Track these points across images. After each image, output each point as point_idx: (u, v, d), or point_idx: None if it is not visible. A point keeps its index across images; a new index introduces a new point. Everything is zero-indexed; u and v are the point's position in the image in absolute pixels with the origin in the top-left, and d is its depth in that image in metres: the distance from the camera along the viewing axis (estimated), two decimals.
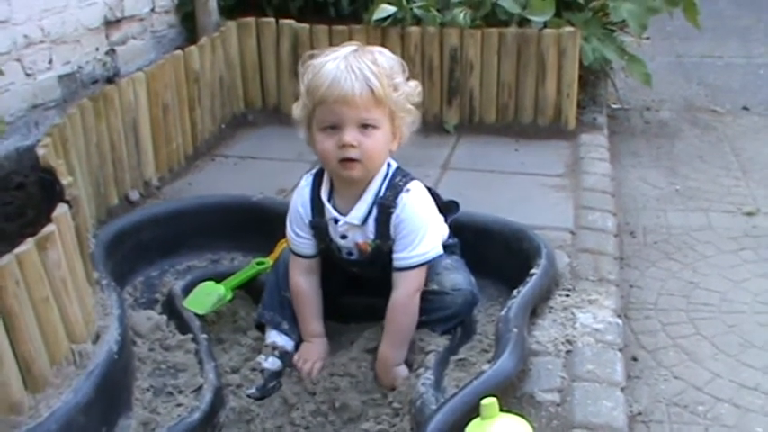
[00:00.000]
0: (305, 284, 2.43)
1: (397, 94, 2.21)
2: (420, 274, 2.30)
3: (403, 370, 2.27)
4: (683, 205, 3.58)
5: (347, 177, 2.26)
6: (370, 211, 2.31)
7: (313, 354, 2.38)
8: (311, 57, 2.26)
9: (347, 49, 2.22)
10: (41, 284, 1.86)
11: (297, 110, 2.31)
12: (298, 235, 2.41)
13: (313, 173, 2.42)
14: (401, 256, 2.29)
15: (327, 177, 2.36)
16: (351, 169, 2.23)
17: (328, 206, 2.34)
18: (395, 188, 2.30)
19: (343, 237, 2.36)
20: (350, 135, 2.18)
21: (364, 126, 2.18)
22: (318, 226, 2.38)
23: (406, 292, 2.29)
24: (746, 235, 3.31)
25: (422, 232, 2.29)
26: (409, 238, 2.28)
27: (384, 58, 2.22)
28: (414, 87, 2.27)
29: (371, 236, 2.33)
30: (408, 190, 2.30)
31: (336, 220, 2.33)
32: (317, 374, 2.32)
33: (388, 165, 2.33)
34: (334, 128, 2.19)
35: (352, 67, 2.15)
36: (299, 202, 2.40)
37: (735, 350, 2.58)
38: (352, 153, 2.20)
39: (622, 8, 4.15)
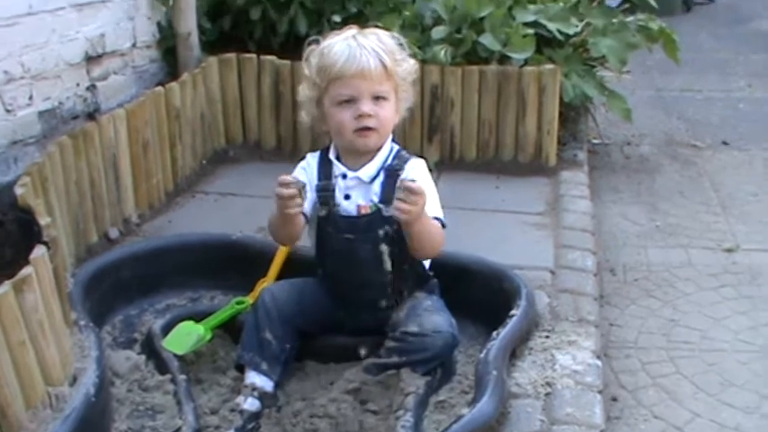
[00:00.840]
0: None
1: (401, 69, 2.39)
2: (440, 229, 2.39)
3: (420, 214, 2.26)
4: (664, 242, 3.60)
5: (363, 146, 2.40)
6: (378, 174, 2.42)
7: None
8: (314, 42, 2.43)
9: (350, 31, 2.39)
10: (18, 327, 1.84)
11: (304, 91, 2.45)
12: None
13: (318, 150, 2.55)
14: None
15: (335, 149, 2.49)
16: (367, 137, 2.38)
17: (337, 163, 2.45)
18: (401, 158, 2.46)
19: (347, 197, 2.43)
20: (367, 106, 2.34)
21: (377, 98, 2.35)
22: (325, 189, 2.45)
23: (437, 225, 2.38)
24: (726, 272, 3.32)
25: (432, 193, 2.39)
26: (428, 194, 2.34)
27: (386, 37, 2.39)
28: (412, 65, 2.44)
29: (376, 198, 2.41)
30: (417, 159, 2.49)
31: (345, 176, 2.43)
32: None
33: (392, 143, 2.48)
34: (350, 101, 2.34)
35: (363, 44, 2.33)
36: (307, 163, 2.52)
37: (715, 389, 2.59)
38: (369, 122, 2.35)
39: (602, 44, 4.20)
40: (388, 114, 2.38)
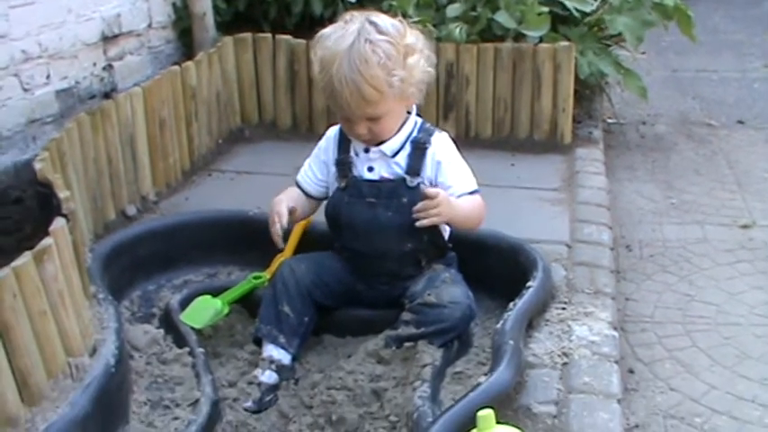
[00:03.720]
0: (293, 189, 2.60)
1: (398, 82, 2.29)
2: (477, 203, 2.46)
3: (451, 216, 2.38)
4: (679, 218, 3.60)
5: (367, 145, 2.44)
6: (402, 147, 2.44)
7: (275, 202, 2.49)
8: (320, 35, 2.37)
9: (347, 38, 2.27)
10: (38, 298, 1.86)
11: (316, 76, 2.41)
12: (310, 169, 2.60)
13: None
14: (456, 188, 2.43)
15: None
16: (369, 142, 2.42)
17: (354, 141, 2.46)
18: (427, 131, 2.47)
19: (371, 169, 2.46)
20: (360, 128, 2.36)
21: (370, 119, 2.33)
22: (344, 162, 2.50)
23: (477, 198, 2.47)
24: (742, 247, 3.32)
25: (464, 165, 2.49)
26: (458, 169, 2.47)
27: (382, 46, 2.27)
28: (414, 63, 2.33)
29: (401, 170, 2.43)
30: (440, 132, 2.51)
31: (367, 149, 2.45)
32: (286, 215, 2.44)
33: (416, 119, 2.49)
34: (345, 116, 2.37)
35: (346, 79, 2.25)
36: (325, 142, 2.58)
37: (731, 362, 2.59)
38: (365, 138, 2.40)
39: (618, 21, 4.18)
40: (386, 126, 2.38)
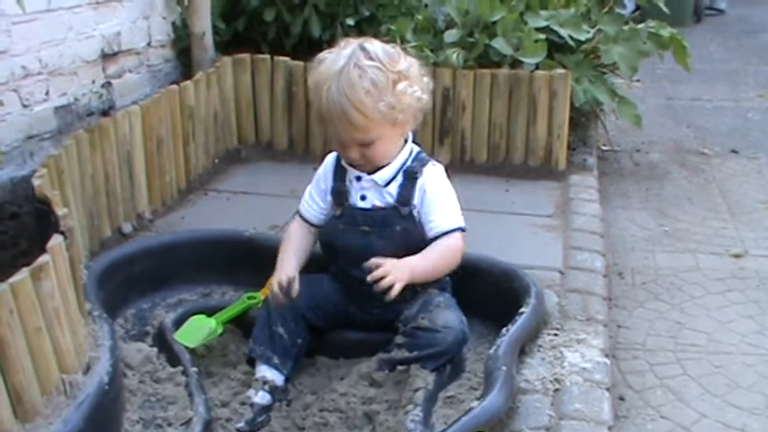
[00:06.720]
0: (297, 231, 2.59)
1: (385, 108, 2.30)
2: (461, 238, 2.44)
3: (407, 279, 2.33)
4: (672, 246, 3.62)
5: (361, 171, 2.45)
6: (394, 177, 2.44)
7: (279, 272, 2.47)
8: (316, 59, 2.39)
9: (339, 62, 2.30)
10: (34, 314, 1.86)
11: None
12: (312, 198, 2.59)
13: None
14: (438, 222, 2.43)
15: None
16: (363, 168, 2.43)
17: (351, 168, 2.46)
18: (421, 161, 2.48)
19: (363, 197, 2.46)
20: (352, 153, 2.39)
21: (363, 144, 2.35)
22: (339, 190, 2.51)
23: (453, 242, 2.43)
24: (734, 276, 3.34)
25: (452, 200, 2.48)
26: (443, 203, 2.45)
27: (371, 75, 2.28)
28: (403, 90, 2.32)
29: (392, 200, 2.44)
30: (434, 164, 2.50)
31: (359, 178, 2.45)
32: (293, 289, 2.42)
33: (411, 147, 2.49)
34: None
35: (333, 103, 2.28)
36: (323, 170, 2.58)
37: (722, 391, 2.60)
38: (359, 164, 2.42)
39: (613, 51, 4.22)
40: (380, 151, 2.39)
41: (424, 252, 2.41)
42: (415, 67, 2.40)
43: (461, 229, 2.46)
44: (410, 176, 2.44)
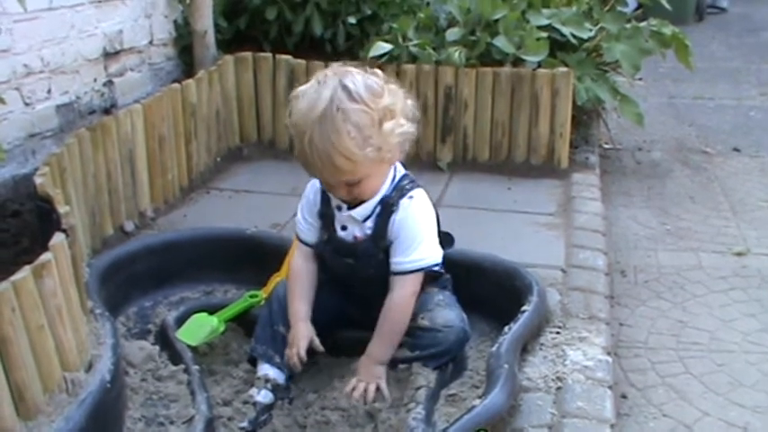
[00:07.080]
0: (303, 267, 2.50)
1: (372, 151, 2.20)
2: (416, 280, 2.37)
3: (382, 373, 2.32)
4: (674, 245, 3.61)
5: (351, 202, 2.37)
6: (372, 212, 2.37)
7: (297, 337, 2.41)
8: (294, 96, 2.28)
9: (319, 106, 2.17)
10: (37, 312, 1.86)
11: None
12: (305, 220, 2.50)
13: None
14: (398, 261, 2.35)
15: None
16: (352, 202, 2.36)
17: (333, 197, 2.41)
18: (400, 191, 2.37)
19: (344, 228, 2.42)
20: (339, 192, 2.32)
21: (350, 184, 2.27)
22: (326, 214, 2.45)
23: (401, 295, 2.35)
24: (736, 275, 3.33)
25: (419, 239, 2.35)
26: (406, 243, 2.34)
27: (356, 119, 2.17)
28: (390, 130, 2.22)
29: (369, 232, 2.38)
30: (411, 197, 2.37)
31: (340, 208, 2.40)
32: (305, 356, 2.38)
33: (395, 170, 2.40)
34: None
35: (318, 151, 2.17)
36: (312, 191, 2.49)
37: (724, 389, 2.60)
38: (346, 199, 2.35)
39: (615, 49, 4.21)
40: (367, 188, 2.31)
41: (377, 331, 2.35)
42: (400, 96, 2.28)
43: (421, 269, 2.37)
44: (386, 209, 2.35)
